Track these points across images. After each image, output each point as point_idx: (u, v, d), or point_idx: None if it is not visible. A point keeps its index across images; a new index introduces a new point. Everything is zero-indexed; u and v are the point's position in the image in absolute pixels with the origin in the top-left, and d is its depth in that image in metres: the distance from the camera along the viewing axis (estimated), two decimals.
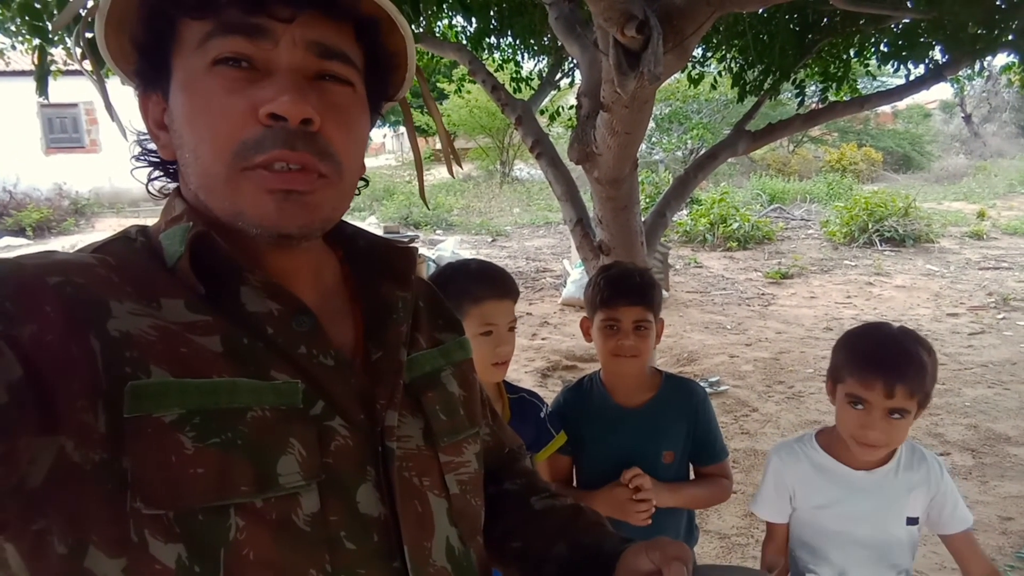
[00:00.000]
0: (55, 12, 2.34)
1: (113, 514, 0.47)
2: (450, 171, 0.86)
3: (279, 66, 0.55)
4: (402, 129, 22.26)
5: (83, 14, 0.67)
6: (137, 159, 0.64)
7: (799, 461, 1.44)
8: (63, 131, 14.77)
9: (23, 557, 0.48)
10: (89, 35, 0.62)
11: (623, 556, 0.67)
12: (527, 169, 17.69)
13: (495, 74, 3.53)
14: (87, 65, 0.74)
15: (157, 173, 0.64)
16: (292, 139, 0.54)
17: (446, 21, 4.53)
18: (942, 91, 21.16)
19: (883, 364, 1.28)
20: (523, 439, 1.41)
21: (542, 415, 1.47)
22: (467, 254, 9.23)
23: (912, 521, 1.37)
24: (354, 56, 0.60)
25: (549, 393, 4.51)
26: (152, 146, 0.64)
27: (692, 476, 1.64)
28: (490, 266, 1.46)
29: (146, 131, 0.63)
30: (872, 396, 1.28)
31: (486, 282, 1.39)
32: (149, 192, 0.64)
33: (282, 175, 0.54)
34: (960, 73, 4.11)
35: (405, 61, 0.64)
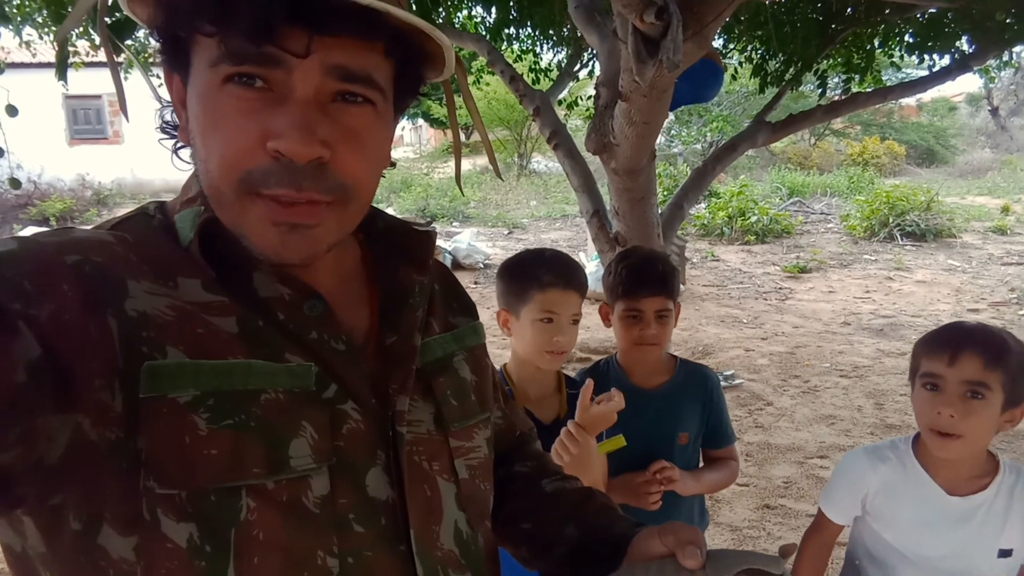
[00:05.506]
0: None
1: (127, 492, 0.48)
2: (496, 171, 0.85)
3: (293, 93, 0.52)
4: (420, 122, 22.26)
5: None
6: (162, 130, 0.62)
7: (889, 467, 1.31)
8: (87, 122, 14.93)
9: (40, 531, 0.49)
10: (109, 21, 0.61)
11: (635, 539, 0.67)
12: (544, 162, 17.62)
13: (513, 65, 3.52)
14: (100, 51, 0.72)
15: (182, 144, 0.61)
16: (298, 178, 0.52)
17: (465, 12, 4.52)
18: (968, 83, 20.82)
19: (953, 332, 1.25)
20: None
21: None
22: (483, 246, 9.22)
23: (1005, 553, 1.24)
24: (380, 74, 0.56)
25: None
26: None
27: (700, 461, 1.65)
28: (564, 256, 1.46)
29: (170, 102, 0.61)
30: (940, 367, 1.19)
31: (555, 271, 1.40)
32: (175, 163, 0.62)
33: (289, 208, 0.53)
34: (987, 64, 4.03)
35: (442, 62, 0.61)
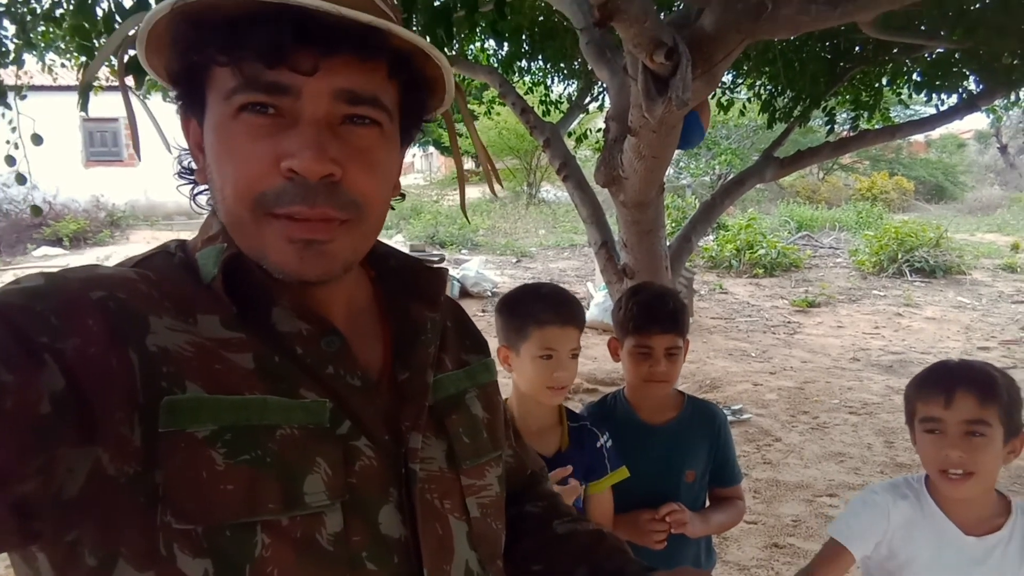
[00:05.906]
0: (102, 31, 2.43)
1: (143, 527, 0.48)
2: (492, 189, 0.86)
3: (303, 116, 0.54)
4: (431, 150, 22.49)
5: (129, 35, 0.67)
6: (180, 175, 0.65)
7: (908, 504, 1.31)
8: (103, 144, 15.13)
9: (53, 568, 0.49)
10: (131, 52, 0.63)
11: None
12: (553, 191, 17.73)
13: (525, 97, 3.56)
14: (128, 81, 0.74)
15: (200, 187, 0.64)
16: (312, 195, 0.54)
17: (478, 45, 4.59)
18: (977, 121, 20.87)
19: (942, 374, 1.27)
20: (579, 468, 1.41)
21: (598, 445, 1.46)
22: (491, 274, 9.24)
23: None
24: (386, 96, 0.58)
25: None
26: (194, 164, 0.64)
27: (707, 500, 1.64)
28: (560, 292, 1.46)
29: (187, 148, 0.63)
30: (937, 410, 1.22)
31: (552, 307, 1.39)
32: (193, 207, 0.64)
33: (303, 224, 0.55)
34: (994, 104, 4.06)
35: (443, 84, 0.63)
